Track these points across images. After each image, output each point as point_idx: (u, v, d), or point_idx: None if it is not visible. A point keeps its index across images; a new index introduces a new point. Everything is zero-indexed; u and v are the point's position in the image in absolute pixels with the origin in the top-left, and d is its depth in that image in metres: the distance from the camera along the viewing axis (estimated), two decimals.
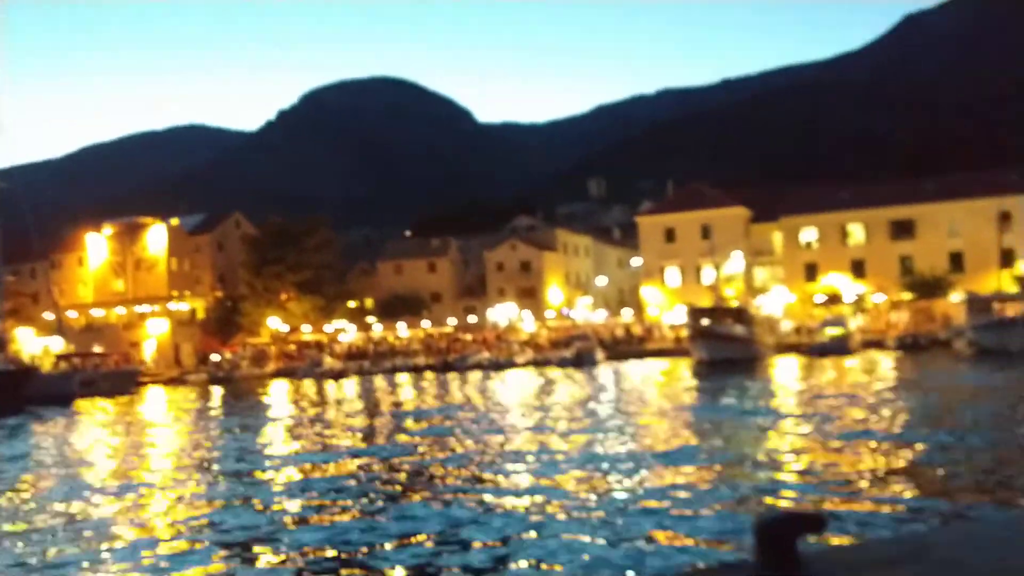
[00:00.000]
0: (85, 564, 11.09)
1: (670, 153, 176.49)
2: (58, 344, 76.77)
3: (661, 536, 10.75)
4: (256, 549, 11.42)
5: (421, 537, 11.33)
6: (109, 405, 46.39)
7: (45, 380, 55.21)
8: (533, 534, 11.16)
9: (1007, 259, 65.79)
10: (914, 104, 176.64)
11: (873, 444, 17.43)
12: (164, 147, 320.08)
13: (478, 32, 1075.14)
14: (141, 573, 10.60)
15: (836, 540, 9.13)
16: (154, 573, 10.54)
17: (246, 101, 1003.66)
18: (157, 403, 48.15)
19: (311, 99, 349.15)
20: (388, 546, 11.06)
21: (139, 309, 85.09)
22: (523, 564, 9.90)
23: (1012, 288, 61.92)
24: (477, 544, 10.84)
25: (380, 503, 14.16)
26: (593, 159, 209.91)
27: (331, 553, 10.93)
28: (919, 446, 16.91)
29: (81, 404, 47.69)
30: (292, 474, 18.51)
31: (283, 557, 10.95)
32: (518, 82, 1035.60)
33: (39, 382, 53.69)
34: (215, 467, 20.23)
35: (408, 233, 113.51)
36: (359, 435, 25.40)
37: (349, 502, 14.32)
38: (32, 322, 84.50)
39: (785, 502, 12.59)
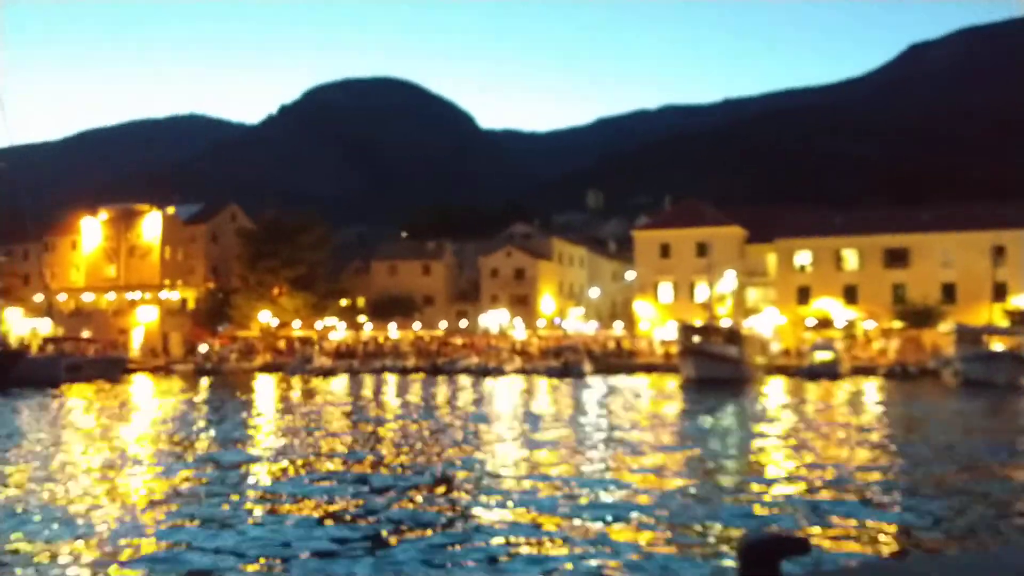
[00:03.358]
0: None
1: (669, 168, 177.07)
2: (47, 327, 76.39)
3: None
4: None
5: None
6: (94, 391, 46.15)
7: (32, 363, 54.95)
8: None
9: (999, 293, 66.11)
10: (913, 133, 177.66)
11: (851, 467, 17.49)
12: (163, 135, 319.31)
13: (484, 38, 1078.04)
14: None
15: (819, 564, 9.18)
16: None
17: (248, 94, 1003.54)
18: (142, 392, 47.93)
19: (313, 96, 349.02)
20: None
21: (130, 296, 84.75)
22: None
23: (1003, 322, 62.21)
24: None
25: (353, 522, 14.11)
26: (592, 170, 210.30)
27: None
28: (896, 477, 16.98)
29: (66, 389, 47.46)
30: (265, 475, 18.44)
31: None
32: (521, 90, 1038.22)
33: (26, 365, 53.44)
34: (188, 457, 20.17)
35: (404, 234, 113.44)
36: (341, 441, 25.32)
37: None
38: (22, 303, 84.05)
39: (768, 524, 12.61)
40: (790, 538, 2.63)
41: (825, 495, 14.76)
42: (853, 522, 12.47)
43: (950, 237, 68.67)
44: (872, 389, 45.64)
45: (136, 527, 12.38)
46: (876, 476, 16.76)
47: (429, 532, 12.16)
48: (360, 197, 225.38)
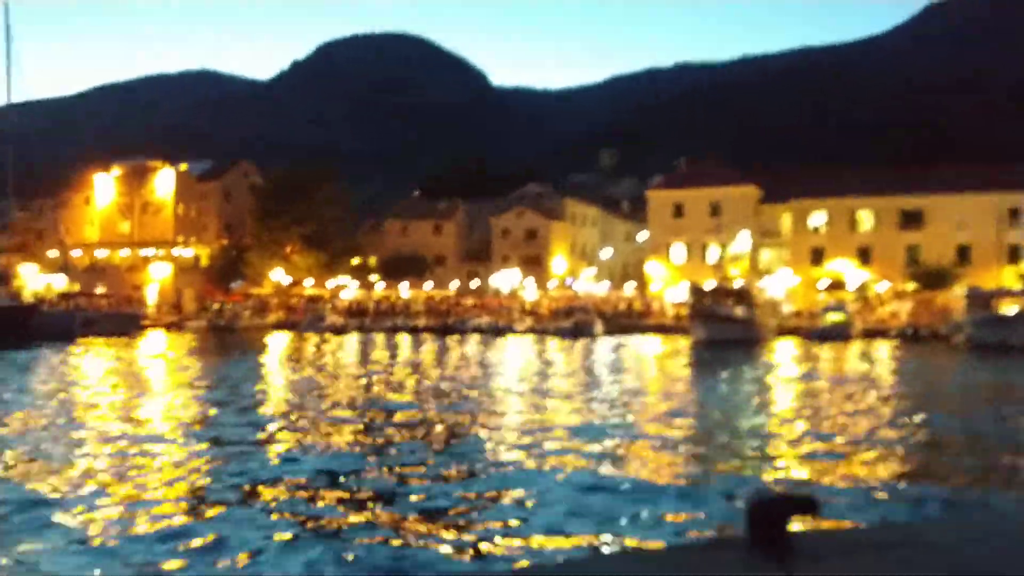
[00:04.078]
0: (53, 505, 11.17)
1: (684, 128, 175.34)
2: (61, 282, 77.10)
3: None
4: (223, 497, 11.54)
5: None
6: (109, 346, 46.67)
7: (47, 317, 55.55)
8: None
9: (1014, 255, 65.59)
10: (931, 93, 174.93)
11: (861, 429, 17.54)
12: (176, 90, 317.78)
13: None
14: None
15: (828, 524, 9.25)
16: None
17: (259, 50, 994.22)
18: (156, 346, 48.42)
19: (325, 51, 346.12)
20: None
21: (143, 252, 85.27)
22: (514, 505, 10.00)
23: (1016, 285, 61.80)
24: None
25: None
26: (606, 129, 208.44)
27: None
28: (913, 431, 17.03)
29: (82, 343, 48.03)
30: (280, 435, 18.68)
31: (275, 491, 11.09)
32: (534, 47, 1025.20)
33: (41, 320, 54.05)
34: (202, 417, 20.41)
35: (416, 193, 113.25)
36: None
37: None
38: (37, 259, 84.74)
39: (777, 482, 12.69)
40: (798, 497, 2.59)
41: (833, 457, 14.79)
42: (863, 484, 12.52)
43: (965, 199, 67.96)
44: (883, 351, 45.56)
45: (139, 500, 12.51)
46: (883, 440, 16.77)
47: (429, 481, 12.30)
48: (371, 154, 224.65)
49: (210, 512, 10.69)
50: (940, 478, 13.27)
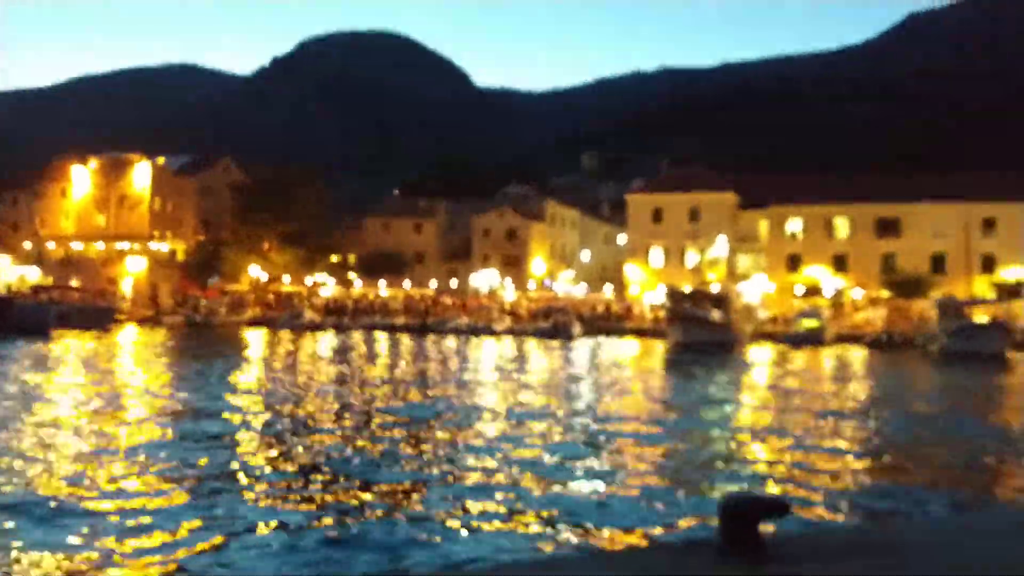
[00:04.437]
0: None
1: (666, 132, 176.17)
2: (35, 275, 76.09)
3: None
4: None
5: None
6: (82, 340, 46.15)
7: (20, 310, 54.75)
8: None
9: (988, 265, 66.43)
10: (912, 101, 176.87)
11: (832, 432, 17.72)
12: (155, 84, 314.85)
13: None
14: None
15: (799, 525, 9.30)
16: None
17: (240, 45, 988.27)
18: (130, 341, 47.94)
19: (307, 48, 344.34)
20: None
21: (119, 246, 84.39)
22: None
23: (990, 294, 62.61)
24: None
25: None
26: (589, 132, 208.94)
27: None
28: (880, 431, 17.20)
29: (56, 336, 47.47)
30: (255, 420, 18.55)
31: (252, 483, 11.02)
32: (519, 49, 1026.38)
33: (14, 312, 53.26)
34: (174, 408, 20.24)
35: (396, 192, 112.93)
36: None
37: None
38: (11, 250, 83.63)
39: (749, 485, 12.77)
40: (770, 499, 2.76)
41: (804, 459, 14.91)
42: (833, 488, 12.62)
43: (942, 208, 68.78)
44: (855, 357, 46.04)
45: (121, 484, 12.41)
46: (854, 442, 16.94)
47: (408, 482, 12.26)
48: (353, 152, 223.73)
49: (181, 498, 10.64)
50: (911, 480, 13.43)
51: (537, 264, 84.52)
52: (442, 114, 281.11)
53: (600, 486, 12.12)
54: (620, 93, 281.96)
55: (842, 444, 16.74)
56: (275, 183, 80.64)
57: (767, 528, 2.61)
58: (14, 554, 8.49)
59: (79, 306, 61.81)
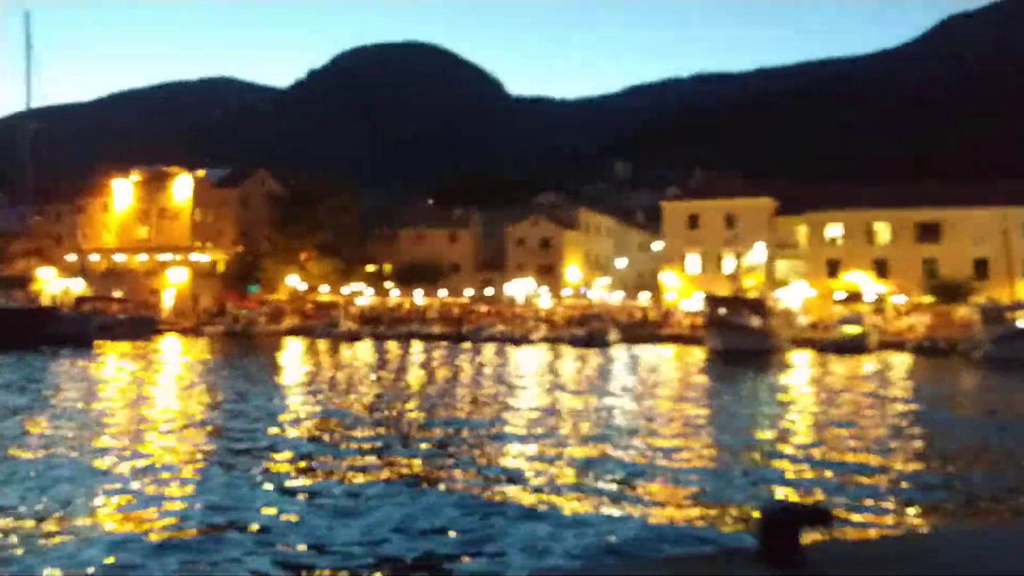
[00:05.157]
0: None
1: (700, 139, 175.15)
2: (79, 286, 77.68)
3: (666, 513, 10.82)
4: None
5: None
6: (125, 350, 46.99)
7: (64, 321, 55.88)
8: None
9: None
10: (949, 106, 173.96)
11: (875, 441, 17.43)
12: (195, 98, 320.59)
13: (513, 3, 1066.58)
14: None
15: (840, 534, 9.18)
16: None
17: (278, 58, 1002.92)
18: (172, 351, 48.72)
19: (343, 60, 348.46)
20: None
21: (161, 257, 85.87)
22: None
23: None
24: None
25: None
26: (622, 140, 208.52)
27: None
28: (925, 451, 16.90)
29: (99, 347, 48.40)
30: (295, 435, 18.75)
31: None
32: (551, 57, 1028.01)
33: (59, 323, 54.36)
34: (215, 419, 20.53)
35: (431, 201, 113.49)
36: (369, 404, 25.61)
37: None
38: (55, 263, 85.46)
39: (790, 493, 12.62)
40: (811, 508, 2.56)
41: (848, 470, 14.68)
42: (876, 497, 12.42)
43: (983, 212, 67.45)
44: (899, 364, 45.25)
45: (161, 489, 12.64)
46: (900, 454, 16.64)
47: (443, 486, 12.32)
48: (387, 162, 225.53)
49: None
50: (955, 489, 13.17)
51: (572, 272, 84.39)
52: (475, 122, 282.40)
53: (636, 508, 11.95)
54: (653, 99, 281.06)
55: (886, 452, 16.48)
56: (310, 192, 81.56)
57: (808, 536, 2.50)
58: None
59: (121, 317, 63.01)
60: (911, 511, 11.55)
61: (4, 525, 10.11)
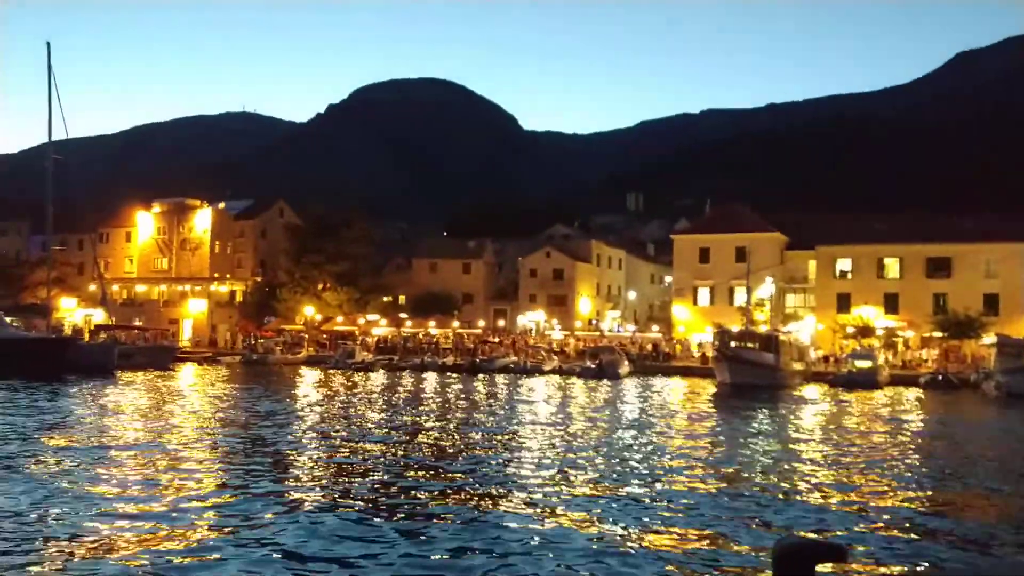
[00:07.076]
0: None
1: (711, 172, 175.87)
2: (100, 315, 78.89)
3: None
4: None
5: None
6: (145, 378, 47.85)
7: (85, 350, 56.62)
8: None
9: None
10: (959, 142, 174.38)
11: (890, 476, 17.76)
12: (216, 131, 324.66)
13: (528, 40, 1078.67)
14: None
15: (854, 571, 9.67)
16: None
17: (298, 93, 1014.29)
18: (191, 380, 49.59)
19: (360, 95, 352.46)
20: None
21: (180, 287, 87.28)
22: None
23: None
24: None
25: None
26: (633, 173, 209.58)
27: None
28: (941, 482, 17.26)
29: (119, 376, 49.21)
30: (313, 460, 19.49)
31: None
32: (565, 93, 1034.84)
33: (79, 352, 55.09)
34: (233, 444, 21.27)
35: (445, 232, 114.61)
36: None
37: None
38: (76, 292, 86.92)
39: (804, 528, 12.71)
40: (826, 544, 2.62)
41: (862, 506, 14.71)
42: (891, 532, 12.54)
43: (993, 247, 67.86)
44: (911, 399, 45.37)
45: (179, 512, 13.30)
46: (914, 490, 16.66)
47: (451, 518, 13.02)
48: (403, 194, 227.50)
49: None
50: (969, 526, 13.29)
51: (584, 304, 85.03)
52: (489, 156, 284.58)
53: (647, 540, 11.93)
54: (665, 134, 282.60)
55: (900, 488, 16.58)
56: (327, 224, 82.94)
57: (823, 572, 2.57)
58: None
59: (141, 346, 63.96)
60: (922, 547, 11.61)
61: (30, 549, 10.59)
